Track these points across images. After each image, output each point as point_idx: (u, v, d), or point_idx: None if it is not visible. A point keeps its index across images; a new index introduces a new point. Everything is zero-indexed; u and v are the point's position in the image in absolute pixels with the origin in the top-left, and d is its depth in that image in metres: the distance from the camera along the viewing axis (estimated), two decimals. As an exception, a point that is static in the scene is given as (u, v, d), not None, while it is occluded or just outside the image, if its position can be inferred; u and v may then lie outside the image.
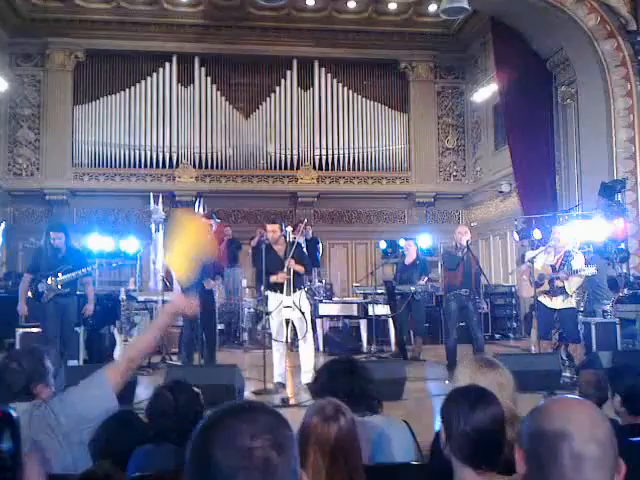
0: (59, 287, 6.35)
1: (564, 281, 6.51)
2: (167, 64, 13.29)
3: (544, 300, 6.63)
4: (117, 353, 7.61)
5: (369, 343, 8.87)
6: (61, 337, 6.35)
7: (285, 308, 6.26)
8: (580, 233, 7.86)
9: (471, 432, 1.85)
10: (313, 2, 12.68)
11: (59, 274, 6.36)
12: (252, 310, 10.28)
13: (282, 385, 6.22)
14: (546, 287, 6.60)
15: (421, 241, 10.05)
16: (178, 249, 2.84)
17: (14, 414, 0.75)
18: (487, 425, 1.87)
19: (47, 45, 12.91)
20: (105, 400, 1.88)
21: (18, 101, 12.87)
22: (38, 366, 2.07)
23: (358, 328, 9.18)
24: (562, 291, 6.54)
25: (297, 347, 6.79)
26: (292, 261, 6.26)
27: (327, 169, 13.57)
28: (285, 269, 6.22)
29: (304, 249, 7.47)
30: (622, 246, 8.06)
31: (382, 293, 9.15)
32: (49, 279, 6.34)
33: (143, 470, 2.31)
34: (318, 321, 8.95)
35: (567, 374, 6.20)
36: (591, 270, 6.53)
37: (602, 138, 9.71)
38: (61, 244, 6.43)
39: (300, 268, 6.40)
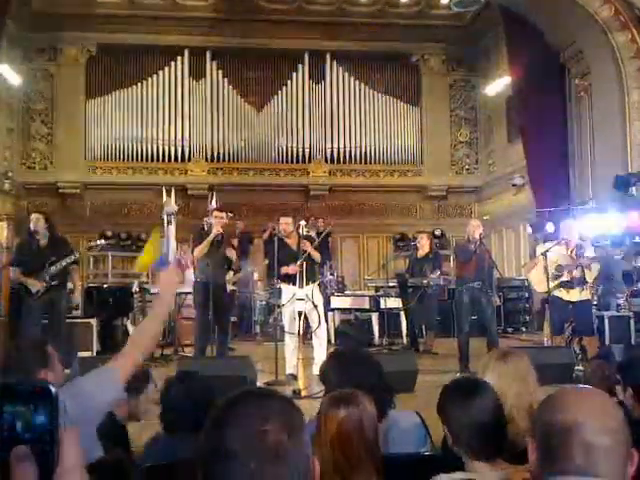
0: (49, 280, 6.25)
1: (585, 269, 6.47)
2: (179, 58, 13.28)
3: (560, 293, 6.58)
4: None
5: (381, 336, 8.86)
6: (49, 331, 6.23)
7: (298, 300, 6.28)
8: (593, 226, 7.82)
9: (472, 425, 1.84)
10: (325, -6, 12.64)
11: (47, 267, 6.24)
12: (264, 302, 10.30)
13: (294, 377, 6.24)
14: (567, 277, 6.53)
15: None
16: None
17: (52, 389, 0.75)
18: (485, 415, 1.85)
19: (60, 39, 12.95)
20: (113, 392, 1.89)
21: (31, 95, 12.92)
22: (39, 351, 2.09)
23: (370, 321, 9.18)
24: (580, 282, 6.50)
25: (309, 339, 6.82)
26: (307, 243, 6.31)
27: (339, 162, 13.53)
28: (299, 261, 6.26)
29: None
30: (637, 239, 8.01)
31: (394, 286, 9.14)
32: (38, 274, 6.24)
33: (157, 459, 2.33)
34: (330, 314, 8.96)
35: (580, 367, 6.17)
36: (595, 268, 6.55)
37: (616, 131, 9.59)
38: (42, 233, 6.34)
39: (317, 255, 6.45)
